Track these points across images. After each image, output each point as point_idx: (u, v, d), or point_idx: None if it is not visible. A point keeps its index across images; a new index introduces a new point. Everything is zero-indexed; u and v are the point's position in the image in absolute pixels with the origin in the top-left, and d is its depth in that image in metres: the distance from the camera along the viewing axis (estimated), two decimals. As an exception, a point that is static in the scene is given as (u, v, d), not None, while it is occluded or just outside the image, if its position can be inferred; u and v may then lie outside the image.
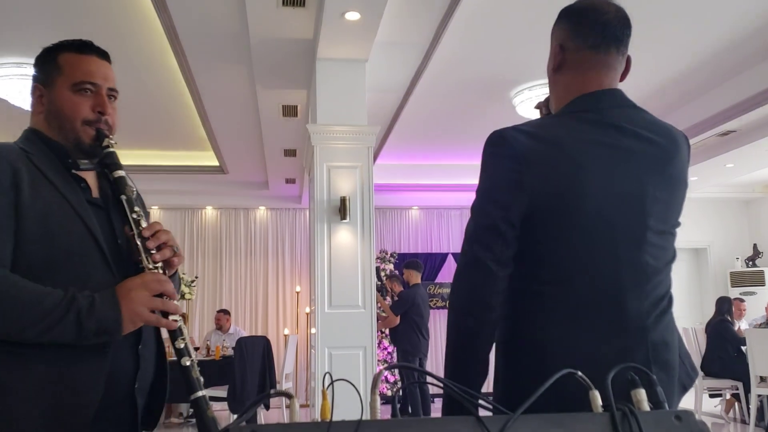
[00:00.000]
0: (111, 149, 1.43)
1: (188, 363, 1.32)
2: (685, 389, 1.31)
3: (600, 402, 0.89)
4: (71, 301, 1.23)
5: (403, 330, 6.69)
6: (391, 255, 9.16)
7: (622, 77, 1.39)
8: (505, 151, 1.25)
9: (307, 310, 8.78)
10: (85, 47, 1.47)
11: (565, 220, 1.23)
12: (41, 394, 1.23)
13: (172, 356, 1.39)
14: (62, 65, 1.44)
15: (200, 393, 1.30)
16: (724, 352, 6.49)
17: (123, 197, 1.40)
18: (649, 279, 1.24)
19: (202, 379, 1.34)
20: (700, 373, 6.40)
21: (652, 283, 1.25)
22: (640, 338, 1.21)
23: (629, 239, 1.24)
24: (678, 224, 1.33)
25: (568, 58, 1.37)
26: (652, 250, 1.25)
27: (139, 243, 1.36)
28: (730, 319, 6.72)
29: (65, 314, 1.22)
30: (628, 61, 1.38)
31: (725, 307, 6.82)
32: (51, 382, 1.24)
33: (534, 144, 1.24)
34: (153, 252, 1.37)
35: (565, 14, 1.39)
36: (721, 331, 6.55)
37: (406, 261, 7.26)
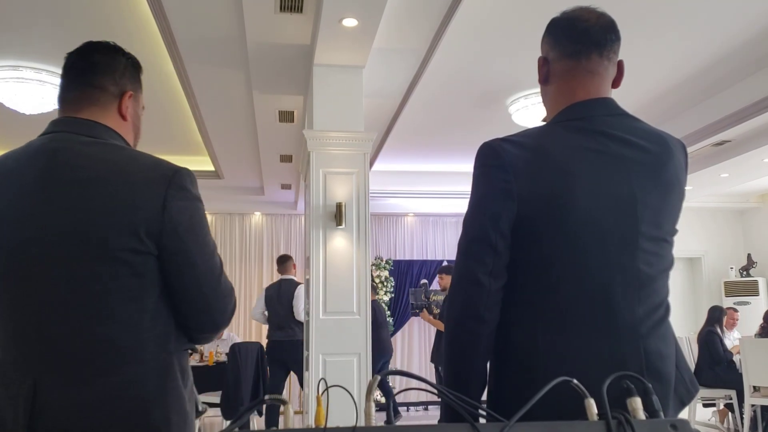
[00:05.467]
0: None
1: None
2: (683, 404, 1.30)
3: (595, 410, 0.89)
4: None
5: (440, 340, 6.62)
6: (387, 262, 9.15)
7: (616, 83, 1.39)
8: (492, 162, 1.26)
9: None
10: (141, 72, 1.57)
11: (554, 227, 1.23)
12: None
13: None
14: (141, 84, 1.53)
15: None
16: (715, 362, 6.49)
17: None
18: (643, 286, 1.24)
19: None
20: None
21: (646, 291, 1.24)
22: (633, 346, 1.21)
23: (621, 245, 1.23)
24: (674, 231, 1.33)
25: (552, 69, 1.39)
26: (645, 256, 1.25)
27: None
28: (719, 329, 6.70)
29: None
30: (621, 66, 1.39)
31: (716, 316, 6.81)
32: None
33: (521, 153, 1.25)
34: None
35: (549, 26, 1.42)
36: (708, 342, 6.55)
37: (442, 266, 7.16)
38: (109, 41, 1.49)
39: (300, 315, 6.12)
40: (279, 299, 6.36)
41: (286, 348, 6.21)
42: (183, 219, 1.29)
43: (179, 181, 1.31)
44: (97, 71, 1.42)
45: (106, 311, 1.24)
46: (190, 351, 1.47)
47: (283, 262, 6.62)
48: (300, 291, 6.25)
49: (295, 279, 6.60)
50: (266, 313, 6.55)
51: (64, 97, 1.42)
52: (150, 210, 1.25)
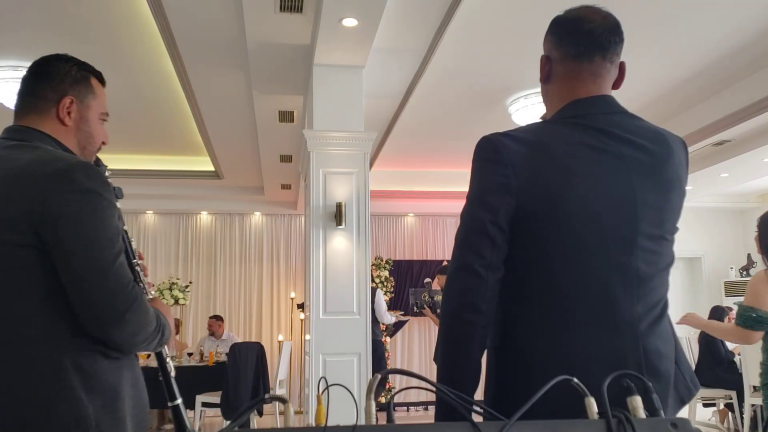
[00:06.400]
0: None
1: (174, 374, 1.53)
2: (683, 402, 1.30)
3: (596, 409, 0.89)
4: (159, 317, 1.40)
5: None
6: (386, 262, 9.15)
7: (617, 84, 1.38)
8: (492, 156, 1.25)
9: (302, 316, 8.76)
10: (103, 79, 1.58)
11: (553, 223, 1.22)
12: (130, 395, 1.37)
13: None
14: (95, 90, 1.54)
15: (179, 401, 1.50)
16: (716, 363, 6.48)
17: (125, 227, 1.51)
18: (641, 284, 1.23)
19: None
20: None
21: (644, 289, 1.24)
22: (632, 344, 1.20)
23: (619, 243, 1.23)
24: (675, 229, 1.32)
25: (554, 69, 1.38)
26: (644, 255, 1.24)
27: (139, 270, 1.50)
28: None
29: (162, 329, 1.40)
30: (622, 68, 1.38)
31: (717, 316, 6.80)
32: (131, 385, 1.39)
33: (521, 148, 1.25)
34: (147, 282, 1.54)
35: (552, 25, 1.40)
36: (709, 342, 6.54)
37: (440, 267, 7.21)
38: (62, 53, 1.54)
39: (383, 317, 6.92)
40: None
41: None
42: (66, 210, 1.28)
43: (68, 174, 1.31)
44: (37, 81, 1.49)
45: None
46: (140, 354, 1.44)
47: None
48: (379, 295, 7.00)
49: None
50: None
51: (15, 106, 1.51)
52: (32, 202, 1.27)
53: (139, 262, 1.52)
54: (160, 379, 1.49)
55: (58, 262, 1.27)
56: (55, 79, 1.48)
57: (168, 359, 1.51)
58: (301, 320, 8.78)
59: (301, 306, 8.39)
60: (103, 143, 1.57)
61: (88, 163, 1.37)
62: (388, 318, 7.30)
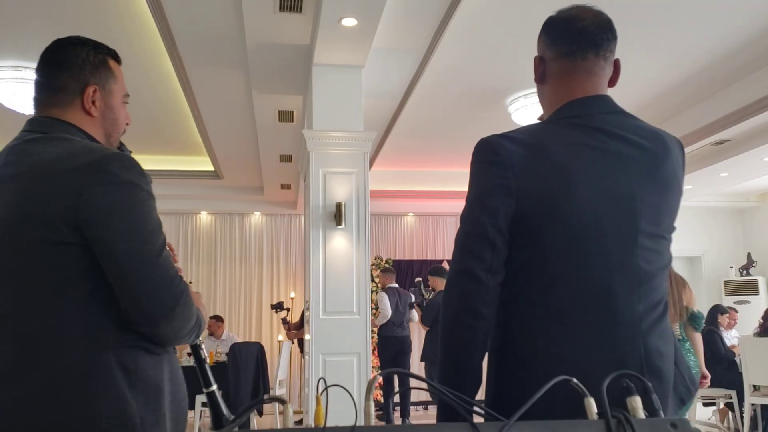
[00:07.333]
0: None
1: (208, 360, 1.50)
2: (683, 402, 1.30)
3: (595, 409, 0.89)
4: (197, 311, 1.35)
5: (430, 339, 6.64)
6: (386, 261, 9.15)
7: (612, 82, 1.39)
8: (491, 158, 1.25)
9: (306, 316, 8.75)
10: (119, 58, 1.50)
11: (553, 224, 1.22)
12: (169, 390, 1.33)
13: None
14: (114, 73, 1.47)
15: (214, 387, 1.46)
16: (716, 362, 6.48)
17: None
18: (642, 283, 1.23)
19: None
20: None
21: (645, 288, 1.23)
22: (633, 344, 1.20)
23: (620, 243, 1.23)
24: (672, 229, 1.32)
25: (548, 68, 1.38)
26: (644, 254, 1.24)
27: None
28: (716, 329, 6.68)
29: (200, 322, 1.35)
30: (617, 65, 1.38)
31: (713, 315, 6.80)
32: (170, 379, 1.35)
33: (520, 150, 1.25)
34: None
35: (545, 25, 1.41)
36: (708, 341, 6.53)
37: (431, 267, 7.24)
38: (74, 36, 1.44)
39: (414, 317, 7.61)
40: (402, 303, 7.52)
41: (404, 342, 7.34)
42: (101, 204, 1.22)
43: (102, 166, 1.24)
44: (54, 70, 1.40)
45: (26, 307, 1.21)
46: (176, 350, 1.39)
47: (393, 272, 7.93)
48: (412, 298, 7.69)
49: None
50: None
51: (34, 98, 1.43)
52: (66, 198, 1.21)
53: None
54: (193, 365, 1.46)
55: (101, 258, 1.22)
56: (74, 67, 1.39)
57: (202, 346, 1.47)
58: (303, 320, 8.78)
59: (275, 307, 8.33)
60: (127, 125, 1.51)
61: (122, 153, 1.31)
62: (416, 316, 7.54)
